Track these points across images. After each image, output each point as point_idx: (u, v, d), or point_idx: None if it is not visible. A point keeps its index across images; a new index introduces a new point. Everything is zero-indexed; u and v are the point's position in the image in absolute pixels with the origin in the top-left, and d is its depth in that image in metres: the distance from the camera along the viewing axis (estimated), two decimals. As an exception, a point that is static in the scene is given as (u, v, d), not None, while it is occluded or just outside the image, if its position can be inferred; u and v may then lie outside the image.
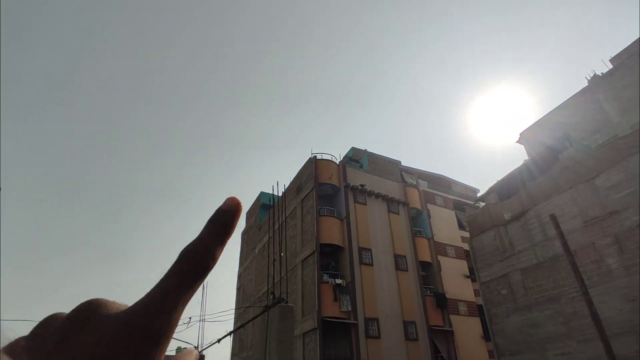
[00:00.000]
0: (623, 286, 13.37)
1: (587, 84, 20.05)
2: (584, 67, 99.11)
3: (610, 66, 20.71)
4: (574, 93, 20.48)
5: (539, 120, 21.99)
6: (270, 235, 20.34)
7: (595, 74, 20.23)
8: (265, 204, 31.76)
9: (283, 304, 9.95)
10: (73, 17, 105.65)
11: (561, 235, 11.69)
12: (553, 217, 12.42)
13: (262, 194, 33.66)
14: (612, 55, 22.02)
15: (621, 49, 21.85)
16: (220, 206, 0.36)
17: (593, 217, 14.68)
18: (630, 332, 12.89)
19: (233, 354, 31.16)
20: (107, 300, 0.33)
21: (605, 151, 15.16)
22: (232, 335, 18.34)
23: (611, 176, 14.52)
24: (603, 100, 18.76)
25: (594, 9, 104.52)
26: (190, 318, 12.40)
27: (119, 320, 0.30)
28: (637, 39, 20.71)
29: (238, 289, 35.97)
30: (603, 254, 14.12)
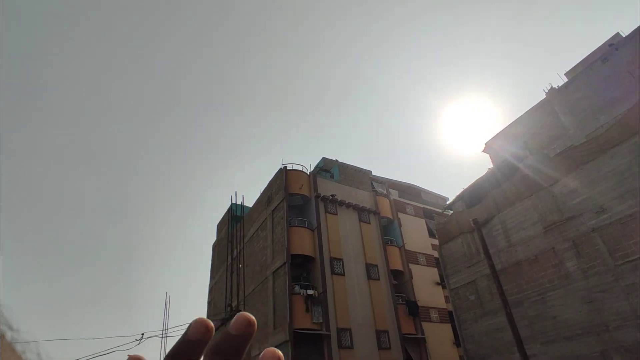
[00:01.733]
0: (581, 288, 13.93)
1: (545, 97, 21.07)
2: (544, 79, 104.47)
3: (566, 79, 21.89)
4: (533, 105, 21.47)
5: (502, 130, 22.83)
6: (238, 250, 20.01)
7: (552, 87, 21.29)
8: (236, 216, 31.26)
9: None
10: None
11: (485, 247, 12.08)
12: (476, 221, 12.83)
13: (232, 205, 33.13)
14: (567, 70, 23.33)
15: (576, 62, 23.21)
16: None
17: (552, 223, 15.29)
18: (591, 332, 13.40)
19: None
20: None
21: (562, 160, 15.89)
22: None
23: (568, 183, 15.21)
24: (559, 111, 19.74)
25: (554, 23, 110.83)
26: (142, 334, 11.76)
27: None
28: (589, 54, 22.06)
29: (209, 303, 34.98)
30: (562, 258, 14.69)
